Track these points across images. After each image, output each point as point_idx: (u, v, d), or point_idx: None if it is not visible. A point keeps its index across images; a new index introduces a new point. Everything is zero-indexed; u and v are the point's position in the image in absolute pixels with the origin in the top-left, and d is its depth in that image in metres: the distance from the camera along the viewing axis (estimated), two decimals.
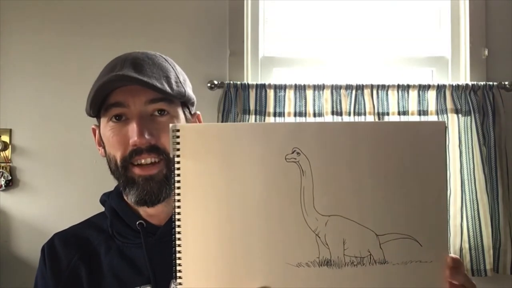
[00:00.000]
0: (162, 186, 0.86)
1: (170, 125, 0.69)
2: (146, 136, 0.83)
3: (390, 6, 2.10)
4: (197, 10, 2.04)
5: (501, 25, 2.01)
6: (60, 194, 2.02)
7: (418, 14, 2.10)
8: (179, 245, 0.68)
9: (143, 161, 0.85)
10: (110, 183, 0.95)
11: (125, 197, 0.91)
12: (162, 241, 0.89)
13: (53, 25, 2.05)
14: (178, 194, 0.68)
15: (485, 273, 1.87)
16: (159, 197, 0.86)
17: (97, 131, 0.94)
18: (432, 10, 2.11)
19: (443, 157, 0.70)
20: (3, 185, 2.00)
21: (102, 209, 0.98)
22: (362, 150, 0.69)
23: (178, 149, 0.68)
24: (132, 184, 0.86)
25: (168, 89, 0.85)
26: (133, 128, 0.84)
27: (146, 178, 0.85)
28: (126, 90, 0.85)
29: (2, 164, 2.02)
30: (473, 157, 1.89)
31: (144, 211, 0.91)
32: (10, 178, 2.01)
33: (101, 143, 0.93)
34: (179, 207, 0.68)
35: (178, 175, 0.68)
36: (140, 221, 0.90)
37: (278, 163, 0.68)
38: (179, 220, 0.68)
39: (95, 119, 0.93)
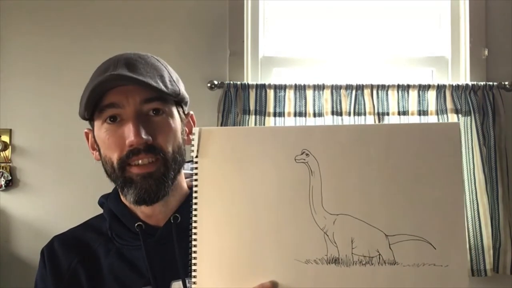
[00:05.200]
0: (161, 183, 0.85)
1: (194, 128, 0.73)
2: (143, 135, 0.82)
3: (390, 6, 2.10)
4: (197, 10, 2.04)
5: (501, 25, 2.01)
6: (60, 194, 2.02)
7: (418, 14, 2.10)
8: (195, 245, 0.71)
9: (140, 161, 0.84)
10: (110, 183, 0.94)
11: (123, 198, 0.91)
12: (161, 243, 0.89)
13: (53, 27, 2.05)
14: (196, 192, 0.72)
15: (485, 273, 1.87)
16: (158, 194, 0.85)
17: (90, 135, 0.92)
18: (432, 10, 2.11)
19: (459, 158, 0.70)
20: (3, 185, 2.00)
21: (101, 209, 0.98)
22: (371, 152, 0.70)
23: (197, 150, 0.72)
24: (130, 183, 0.85)
25: (163, 87, 0.85)
26: (129, 128, 0.83)
27: (144, 176, 0.84)
28: (120, 90, 0.84)
29: (2, 164, 2.02)
30: (473, 157, 1.89)
31: (142, 212, 0.90)
32: (10, 178, 2.01)
33: (95, 147, 0.91)
34: (196, 204, 0.72)
35: (196, 174, 0.72)
36: (139, 222, 0.89)
37: (288, 164, 0.71)
38: (196, 216, 0.71)
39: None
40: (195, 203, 0.72)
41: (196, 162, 0.72)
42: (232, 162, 0.72)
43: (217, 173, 0.72)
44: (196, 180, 0.72)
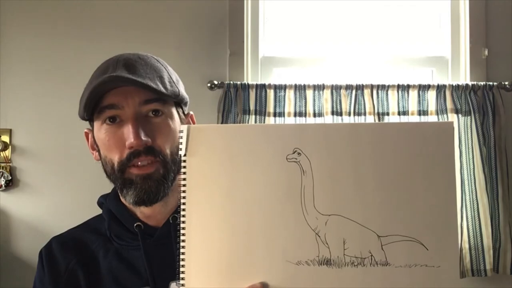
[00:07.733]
0: (160, 184, 0.85)
1: (181, 126, 0.72)
2: (143, 137, 0.82)
3: (390, 6, 2.10)
4: (197, 10, 2.04)
5: (501, 25, 2.01)
6: (60, 194, 2.02)
7: (418, 14, 2.10)
8: (183, 247, 0.69)
9: (139, 163, 0.84)
10: (109, 184, 0.94)
11: (123, 199, 0.91)
12: (160, 243, 0.89)
13: (53, 27, 2.05)
14: (184, 191, 0.70)
15: (485, 273, 1.87)
16: (157, 195, 0.85)
17: (90, 135, 0.92)
18: (432, 10, 2.11)
19: (452, 158, 0.69)
20: (3, 185, 2.00)
21: (101, 209, 0.98)
22: (364, 151, 0.68)
23: (186, 149, 0.70)
24: (130, 184, 0.85)
25: (162, 88, 0.85)
26: (128, 130, 0.83)
27: (144, 176, 0.84)
28: (119, 91, 0.84)
29: (2, 164, 2.02)
30: (473, 157, 1.89)
31: (141, 212, 0.91)
32: (10, 178, 2.02)
33: (94, 147, 0.91)
34: (184, 203, 0.70)
35: (184, 173, 0.70)
36: (138, 223, 0.89)
37: (279, 163, 0.69)
38: (183, 216, 0.70)
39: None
40: (183, 203, 0.70)
41: (184, 161, 0.70)
42: (221, 160, 0.70)
43: (206, 172, 0.70)
44: (184, 179, 0.70)
